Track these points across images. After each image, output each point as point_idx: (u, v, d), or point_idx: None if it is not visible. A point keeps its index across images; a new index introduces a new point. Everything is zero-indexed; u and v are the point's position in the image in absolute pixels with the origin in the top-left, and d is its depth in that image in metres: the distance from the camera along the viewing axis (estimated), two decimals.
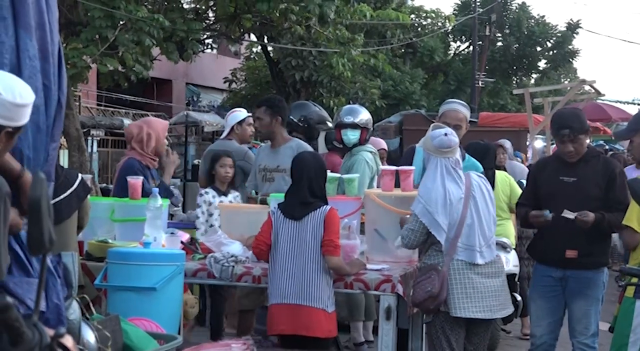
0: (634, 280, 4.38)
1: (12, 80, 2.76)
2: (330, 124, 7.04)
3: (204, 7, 12.92)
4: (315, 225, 4.62)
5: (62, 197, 4.45)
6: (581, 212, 4.80)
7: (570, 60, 29.52)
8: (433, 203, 4.52)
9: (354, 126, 6.54)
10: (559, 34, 28.64)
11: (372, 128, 7.00)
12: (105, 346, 3.23)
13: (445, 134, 4.67)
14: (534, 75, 31.38)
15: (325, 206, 4.69)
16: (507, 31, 28.82)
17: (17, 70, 2.95)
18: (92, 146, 17.84)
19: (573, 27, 28.77)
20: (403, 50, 24.83)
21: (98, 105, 20.63)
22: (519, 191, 7.11)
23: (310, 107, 7.26)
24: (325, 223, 4.61)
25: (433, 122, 5.27)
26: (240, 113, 7.12)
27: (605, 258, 5.11)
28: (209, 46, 16.10)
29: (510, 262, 6.99)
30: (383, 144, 8.56)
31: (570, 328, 5.07)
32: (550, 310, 5.07)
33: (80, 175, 4.71)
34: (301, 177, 4.73)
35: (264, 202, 5.66)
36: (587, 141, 5.05)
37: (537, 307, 5.13)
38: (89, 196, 4.81)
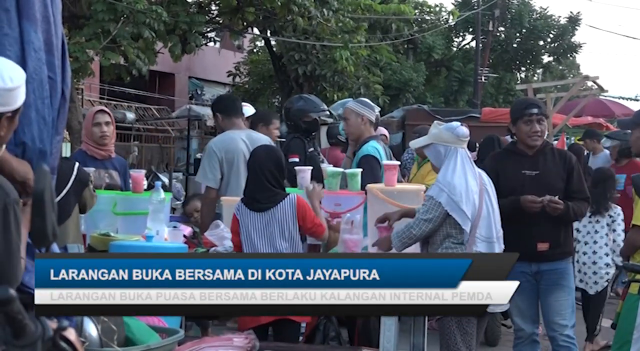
0: (638, 276, 4.37)
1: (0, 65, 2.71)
2: (313, 115, 6.95)
3: (206, 0, 12.91)
4: (287, 216, 4.66)
5: (58, 198, 4.40)
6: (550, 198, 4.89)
7: (574, 53, 29.59)
8: (457, 192, 4.51)
9: None
10: (559, 27, 28.74)
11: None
12: (111, 341, 3.23)
13: (461, 124, 4.76)
14: (538, 70, 31.43)
15: (289, 195, 4.72)
16: (509, 25, 28.88)
17: (21, 62, 2.93)
18: None
19: (574, 20, 28.86)
20: (406, 46, 24.80)
21: (101, 98, 20.62)
22: None
23: (296, 102, 7.15)
24: (298, 213, 4.66)
25: (436, 117, 5.31)
26: (245, 108, 7.10)
27: (570, 247, 5.23)
28: (212, 40, 16.10)
29: None
30: (383, 130, 8.50)
31: (549, 321, 5.08)
32: (530, 303, 5.10)
33: (77, 164, 4.65)
34: (257, 170, 4.74)
35: None
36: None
37: (516, 303, 5.13)
38: (90, 185, 4.78)
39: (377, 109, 6.84)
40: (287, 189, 5.56)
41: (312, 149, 6.67)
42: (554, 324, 5.04)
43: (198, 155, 16.72)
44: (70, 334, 1.97)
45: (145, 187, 5.79)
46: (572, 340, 5.03)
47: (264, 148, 4.98)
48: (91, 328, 3.23)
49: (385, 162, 5.57)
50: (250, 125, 6.63)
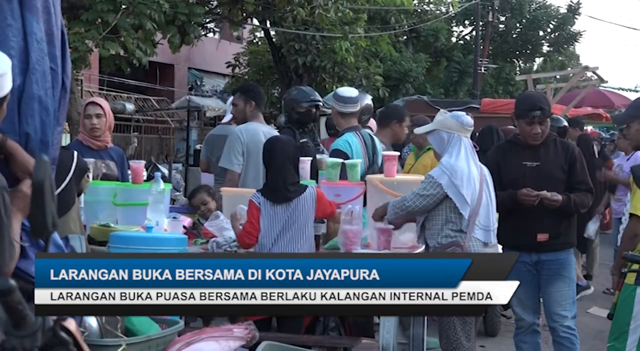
0: (635, 266, 4.38)
1: None
2: (305, 105, 6.88)
3: None
4: (307, 208, 4.66)
5: (59, 189, 4.39)
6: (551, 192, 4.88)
7: (573, 42, 29.61)
8: (459, 176, 4.57)
9: None
10: (559, 16, 28.77)
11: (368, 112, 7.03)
12: (115, 329, 3.25)
13: (467, 114, 4.81)
14: (538, 60, 31.47)
15: (308, 187, 4.75)
16: (509, 16, 28.88)
17: (24, 53, 2.93)
18: None
19: (574, 9, 28.89)
20: (406, 37, 24.76)
21: (100, 89, 20.59)
22: None
23: (291, 93, 7.10)
24: (317, 204, 4.70)
25: (436, 108, 5.32)
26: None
27: (573, 238, 5.17)
28: (211, 30, 16.06)
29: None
30: (372, 123, 8.48)
31: (550, 312, 5.09)
32: (530, 293, 5.10)
33: (75, 153, 4.64)
34: (281, 161, 4.72)
35: None
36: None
37: (518, 293, 5.12)
38: (89, 172, 4.78)
39: (367, 100, 6.87)
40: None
41: (305, 140, 6.59)
42: (554, 315, 5.05)
43: (197, 146, 16.73)
44: (70, 324, 1.98)
45: (144, 178, 5.80)
46: (573, 331, 5.04)
47: (286, 139, 5.00)
48: (91, 319, 3.25)
49: (385, 152, 5.58)
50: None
